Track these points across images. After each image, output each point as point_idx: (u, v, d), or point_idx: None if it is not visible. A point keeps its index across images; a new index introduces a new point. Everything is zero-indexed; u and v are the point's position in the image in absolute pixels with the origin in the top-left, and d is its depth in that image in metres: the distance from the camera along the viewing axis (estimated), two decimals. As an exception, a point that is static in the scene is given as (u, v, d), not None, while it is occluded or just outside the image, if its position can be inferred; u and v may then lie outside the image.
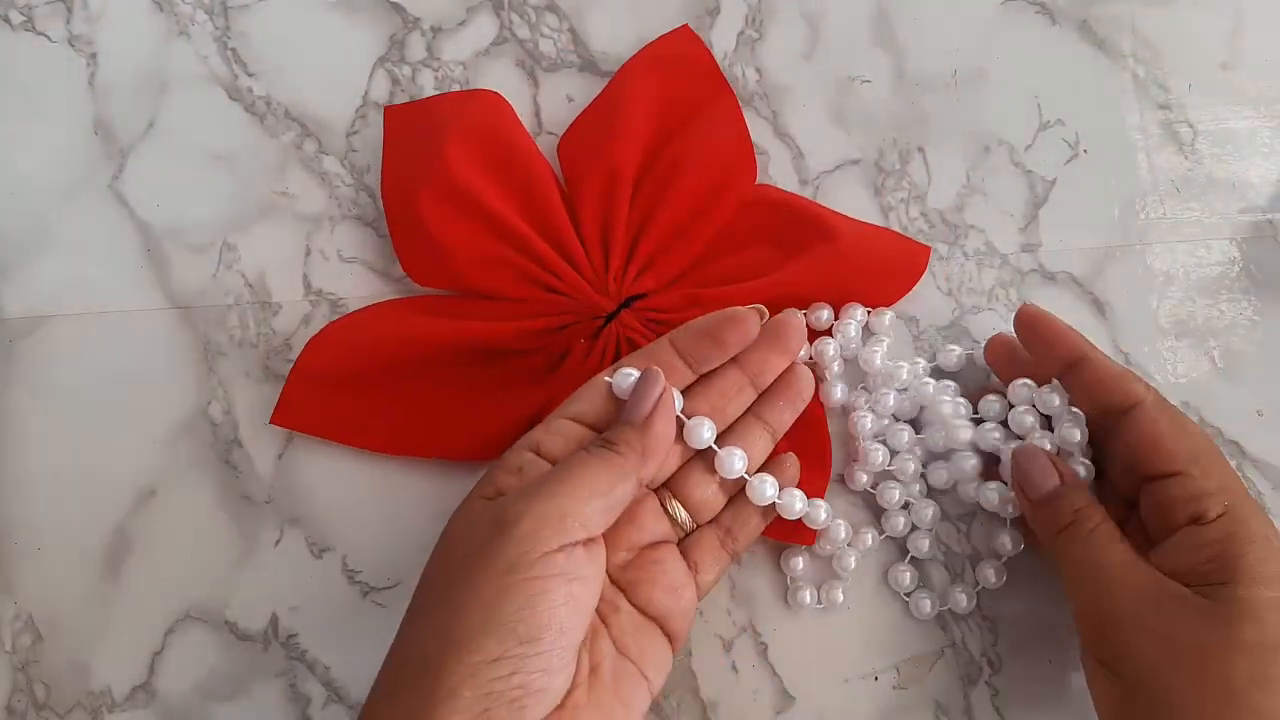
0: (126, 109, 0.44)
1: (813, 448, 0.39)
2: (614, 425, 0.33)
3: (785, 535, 0.38)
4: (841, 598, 0.38)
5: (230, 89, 0.44)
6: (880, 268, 0.41)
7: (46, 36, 0.45)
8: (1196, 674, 0.29)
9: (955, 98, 0.44)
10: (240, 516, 0.39)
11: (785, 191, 0.42)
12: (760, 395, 0.37)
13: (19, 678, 0.38)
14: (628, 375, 0.34)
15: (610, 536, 0.33)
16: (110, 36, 0.45)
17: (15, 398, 0.41)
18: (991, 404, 0.38)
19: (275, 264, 0.42)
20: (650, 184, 0.40)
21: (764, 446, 0.37)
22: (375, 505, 0.39)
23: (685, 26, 0.44)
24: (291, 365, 0.40)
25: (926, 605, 0.38)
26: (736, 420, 0.37)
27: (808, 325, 0.40)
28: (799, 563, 0.38)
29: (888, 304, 0.41)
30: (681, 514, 0.36)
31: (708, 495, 0.36)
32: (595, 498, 0.30)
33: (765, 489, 0.36)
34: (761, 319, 0.35)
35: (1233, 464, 0.39)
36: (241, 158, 0.43)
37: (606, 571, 0.33)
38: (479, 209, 0.39)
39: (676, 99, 0.42)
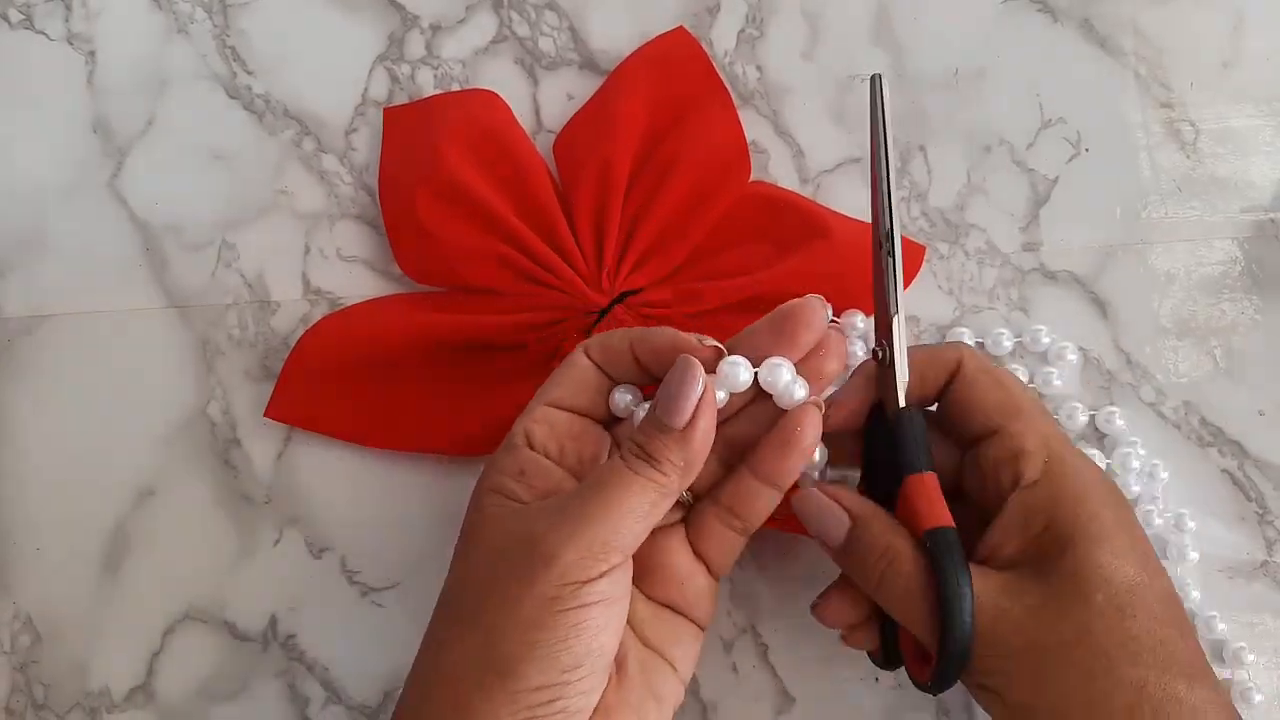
0: (125, 107, 0.44)
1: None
2: (647, 422, 0.29)
3: (791, 527, 0.37)
4: None
5: (229, 87, 0.44)
6: None
7: (45, 35, 0.45)
8: (1065, 668, 0.28)
9: (956, 96, 0.44)
10: (239, 516, 0.39)
11: (780, 188, 0.42)
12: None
13: (18, 678, 0.38)
14: (625, 394, 0.32)
15: None
16: (109, 35, 0.44)
17: (14, 397, 0.41)
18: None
19: (274, 263, 0.42)
20: (644, 180, 0.40)
21: (767, 501, 0.32)
22: (374, 505, 0.39)
23: (681, 27, 0.44)
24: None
25: None
26: (727, 478, 0.32)
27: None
28: None
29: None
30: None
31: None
32: (638, 522, 0.29)
33: (782, 374, 0.31)
34: (717, 357, 0.31)
35: (1234, 464, 0.39)
36: (240, 156, 0.43)
37: None
38: (474, 206, 0.39)
39: (671, 98, 0.42)
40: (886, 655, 0.33)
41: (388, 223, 0.41)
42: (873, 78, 0.32)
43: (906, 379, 0.31)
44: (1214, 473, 0.39)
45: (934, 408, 0.34)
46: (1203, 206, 0.42)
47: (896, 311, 0.32)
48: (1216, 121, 0.43)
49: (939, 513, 0.30)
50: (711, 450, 0.31)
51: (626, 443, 0.30)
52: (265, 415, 0.39)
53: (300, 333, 0.40)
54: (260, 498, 0.40)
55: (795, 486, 0.33)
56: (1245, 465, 0.40)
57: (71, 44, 0.44)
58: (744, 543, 0.33)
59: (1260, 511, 0.39)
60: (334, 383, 0.39)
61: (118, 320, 0.41)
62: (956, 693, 0.37)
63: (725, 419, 0.32)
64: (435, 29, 0.44)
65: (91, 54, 0.44)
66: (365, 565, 0.39)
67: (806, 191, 0.42)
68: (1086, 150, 0.43)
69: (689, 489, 0.32)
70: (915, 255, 0.41)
